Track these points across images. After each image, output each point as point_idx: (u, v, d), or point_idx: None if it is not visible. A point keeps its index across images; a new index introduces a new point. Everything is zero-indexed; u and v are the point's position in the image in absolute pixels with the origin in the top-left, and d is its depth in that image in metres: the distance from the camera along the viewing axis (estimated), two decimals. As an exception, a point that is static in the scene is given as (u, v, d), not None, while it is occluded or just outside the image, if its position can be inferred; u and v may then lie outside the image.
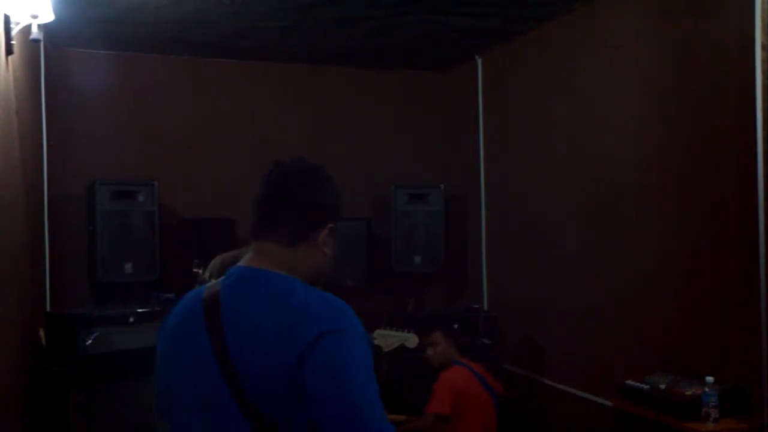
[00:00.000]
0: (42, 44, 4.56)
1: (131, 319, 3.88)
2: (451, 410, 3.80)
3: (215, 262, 3.59)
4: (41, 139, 4.88)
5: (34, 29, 3.19)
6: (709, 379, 3.24)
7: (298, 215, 1.59)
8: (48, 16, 3.21)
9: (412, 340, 2.92)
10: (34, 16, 3.15)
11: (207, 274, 3.41)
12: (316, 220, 1.60)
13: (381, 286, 5.72)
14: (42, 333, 4.08)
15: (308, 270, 1.59)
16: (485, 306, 5.69)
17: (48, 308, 4.77)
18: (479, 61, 5.83)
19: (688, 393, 3.29)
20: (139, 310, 3.94)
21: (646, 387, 3.48)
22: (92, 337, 3.68)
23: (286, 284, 1.52)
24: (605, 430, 4.07)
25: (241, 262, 1.59)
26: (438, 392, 3.86)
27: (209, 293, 1.55)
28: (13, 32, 3.14)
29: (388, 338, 2.88)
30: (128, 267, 4.82)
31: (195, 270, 3.40)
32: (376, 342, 2.89)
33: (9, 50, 3.12)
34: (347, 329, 1.44)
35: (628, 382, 3.62)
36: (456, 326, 4.84)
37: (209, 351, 1.46)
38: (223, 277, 1.58)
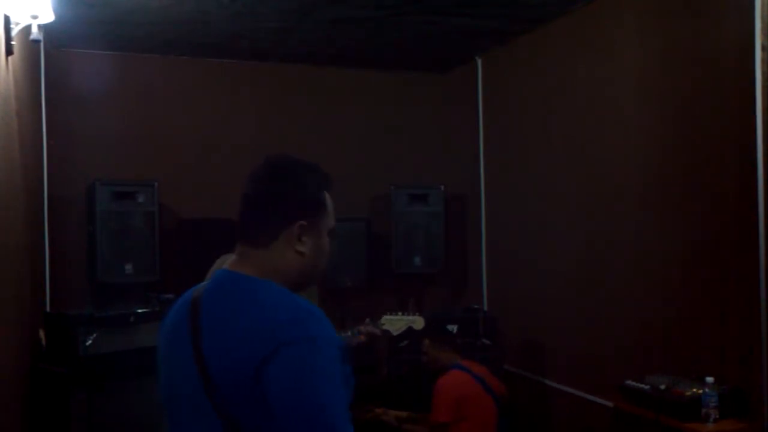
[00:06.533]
0: (42, 45, 4.57)
1: (131, 320, 3.88)
2: (451, 417, 3.81)
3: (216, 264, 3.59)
4: (41, 139, 4.88)
5: (34, 30, 3.18)
6: (709, 379, 3.24)
7: (265, 213, 1.54)
8: (48, 16, 3.21)
9: (418, 322, 2.95)
10: (34, 17, 3.14)
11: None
12: (284, 218, 1.52)
13: (381, 286, 5.71)
14: (42, 333, 4.08)
15: (284, 272, 1.53)
16: (485, 306, 5.69)
17: (48, 309, 4.77)
18: (479, 62, 5.83)
19: (688, 393, 3.29)
20: (139, 311, 3.94)
21: (646, 387, 3.47)
22: (92, 338, 3.68)
23: (258, 289, 1.48)
24: (605, 431, 4.07)
25: (225, 265, 1.57)
26: (437, 401, 3.86)
27: (196, 295, 1.55)
28: (13, 33, 3.14)
29: (395, 322, 2.91)
30: (128, 267, 4.81)
31: None
32: (384, 327, 2.92)
33: (9, 51, 3.12)
34: (312, 338, 1.38)
35: (628, 382, 3.62)
36: (454, 328, 4.84)
37: (191, 353, 1.47)
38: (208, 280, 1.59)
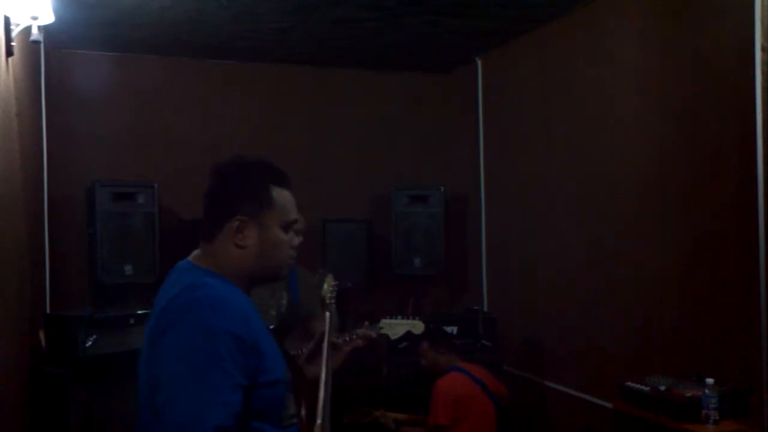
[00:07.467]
0: (42, 46, 4.57)
1: (131, 321, 3.87)
2: (449, 419, 3.80)
3: None
4: (41, 140, 4.88)
5: (35, 31, 3.19)
6: (709, 380, 3.24)
7: (208, 210, 1.67)
8: (48, 17, 3.21)
9: (418, 326, 2.97)
10: (35, 18, 3.15)
11: None
12: (222, 213, 1.63)
13: (381, 287, 5.72)
14: (42, 335, 4.08)
15: (230, 265, 1.61)
16: (485, 307, 5.69)
17: (48, 309, 4.77)
18: (479, 63, 5.83)
19: (688, 394, 3.29)
20: (139, 312, 3.93)
21: (646, 388, 3.47)
22: (92, 339, 3.68)
23: (187, 279, 1.56)
24: (605, 432, 4.07)
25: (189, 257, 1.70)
26: (435, 403, 3.86)
27: None
28: (14, 34, 3.14)
29: (395, 327, 2.92)
30: (128, 268, 4.81)
31: None
32: (383, 331, 2.94)
33: (9, 52, 3.13)
34: (190, 326, 1.44)
35: (628, 383, 3.61)
36: (453, 330, 4.84)
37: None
38: None
